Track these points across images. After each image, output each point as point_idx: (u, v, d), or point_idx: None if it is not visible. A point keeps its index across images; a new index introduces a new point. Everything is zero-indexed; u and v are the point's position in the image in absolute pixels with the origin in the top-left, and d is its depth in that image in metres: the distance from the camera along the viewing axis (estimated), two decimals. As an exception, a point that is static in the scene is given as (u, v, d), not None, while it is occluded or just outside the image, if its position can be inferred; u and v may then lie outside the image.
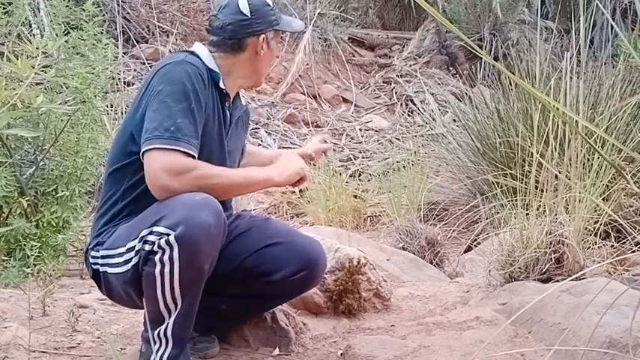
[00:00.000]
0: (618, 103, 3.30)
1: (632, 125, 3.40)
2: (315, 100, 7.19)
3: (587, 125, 1.50)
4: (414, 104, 7.28)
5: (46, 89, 2.95)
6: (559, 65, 3.60)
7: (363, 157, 6.06)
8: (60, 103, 2.88)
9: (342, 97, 7.47)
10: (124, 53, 6.05)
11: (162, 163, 1.59)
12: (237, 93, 1.93)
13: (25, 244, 2.75)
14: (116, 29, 5.84)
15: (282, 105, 6.88)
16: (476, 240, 3.31)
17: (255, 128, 5.99)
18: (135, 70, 5.89)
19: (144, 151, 1.62)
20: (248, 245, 1.85)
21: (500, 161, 3.55)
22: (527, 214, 2.29)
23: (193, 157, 1.62)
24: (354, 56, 8.25)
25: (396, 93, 7.58)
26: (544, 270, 2.23)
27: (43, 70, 2.74)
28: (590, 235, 2.36)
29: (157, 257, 1.53)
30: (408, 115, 7.20)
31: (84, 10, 3.14)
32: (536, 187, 2.34)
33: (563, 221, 2.23)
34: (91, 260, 1.73)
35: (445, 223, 3.70)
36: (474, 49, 0.93)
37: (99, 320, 2.16)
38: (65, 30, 3.09)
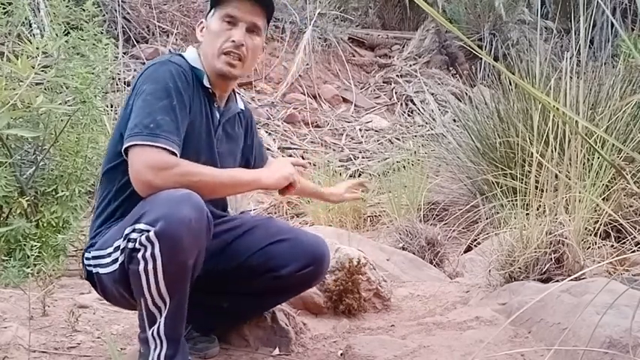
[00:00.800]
0: (618, 103, 3.30)
1: (632, 125, 3.40)
2: (315, 100, 7.20)
3: (587, 125, 1.50)
4: (414, 104, 7.29)
5: (46, 89, 2.95)
6: (559, 65, 3.59)
7: (363, 157, 6.06)
8: (60, 103, 2.88)
9: (342, 97, 7.47)
10: (124, 53, 6.06)
11: (143, 160, 1.59)
12: (231, 94, 1.91)
13: (25, 244, 2.75)
14: (116, 29, 5.85)
15: (282, 105, 6.88)
16: (476, 240, 3.31)
17: (255, 128, 5.99)
18: (135, 70, 5.89)
19: (125, 149, 1.63)
20: (252, 243, 1.85)
21: (500, 161, 3.55)
22: (527, 214, 2.29)
23: (175, 153, 1.62)
24: (354, 56, 8.25)
25: (396, 93, 7.59)
26: (544, 270, 2.23)
27: (43, 70, 2.74)
28: (590, 235, 2.36)
29: (139, 255, 1.53)
30: (408, 115, 7.21)
31: (84, 10, 3.14)
32: (536, 187, 2.34)
33: (563, 221, 2.23)
34: (85, 262, 1.74)
35: (445, 223, 3.70)
36: (473, 49, 0.93)
37: (99, 320, 2.16)
38: (65, 30, 3.10)
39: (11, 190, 2.76)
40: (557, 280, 2.16)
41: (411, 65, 7.96)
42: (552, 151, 2.43)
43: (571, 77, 2.62)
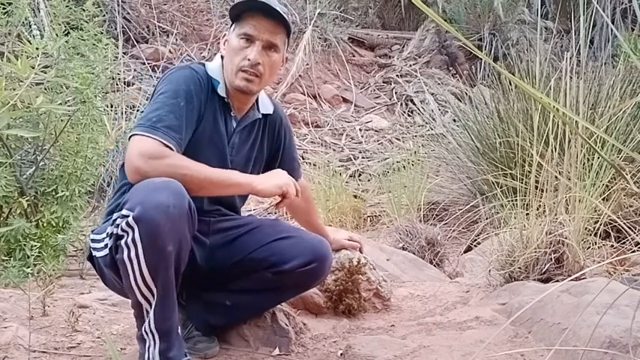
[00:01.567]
0: (618, 104, 3.30)
1: (632, 125, 3.40)
2: (315, 100, 7.20)
3: (587, 125, 1.50)
4: (414, 104, 7.28)
5: (46, 89, 2.95)
6: (559, 65, 3.59)
7: (363, 157, 6.06)
8: (60, 103, 2.88)
9: (342, 97, 7.47)
10: (124, 53, 6.04)
11: (137, 147, 1.64)
12: (254, 104, 1.92)
13: (25, 244, 2.75)
14: (116, 29, 5.85)
15: (282, 105, 6.88)
16: (476, 240, 3.31)
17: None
18: (135, 70, 5.89)
19: (128, 139, 1.70)
20: (257, 239, 1.88)
21: (500, 161, 3.55)
22: (527, 214, 2.29)
23: (171, 148, 1.65)
24: (354, 56, 8.25)
25: (396, 93, 7.58)
26: (544, 270, 2.23)
27: (43, 71, 2.74)
28: (590, 235, 2.36)
29: (123, 242, 1.56)
30: (408, 115, 7.20)
31: (84, 10, 3.14)
32: (536, 187, 2.33)
33: (563, 221, 2.23)
34: (89, 244, 1.79)
35: (445, 223, 3.70)
36: (472, 49, 0.93)
37: (99, 320, 2.16)
38: (65, 30, 3.10)
39: (11, 190, 2.77)
40: (557, 280, 2.16)
41: (410, 65, 7.95)
42: (552, 152, 2.42)
43: (571, 77, 2.61)
